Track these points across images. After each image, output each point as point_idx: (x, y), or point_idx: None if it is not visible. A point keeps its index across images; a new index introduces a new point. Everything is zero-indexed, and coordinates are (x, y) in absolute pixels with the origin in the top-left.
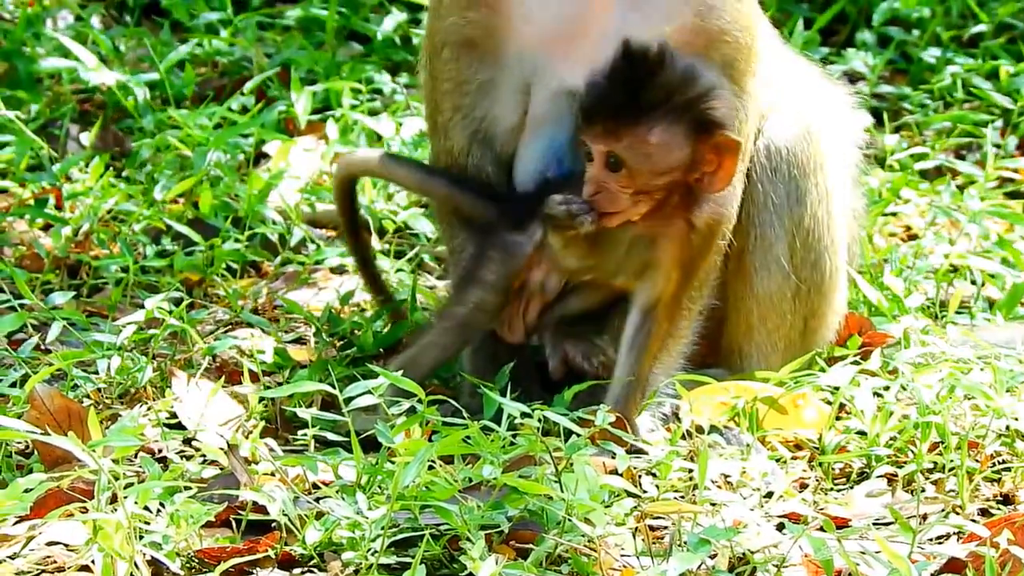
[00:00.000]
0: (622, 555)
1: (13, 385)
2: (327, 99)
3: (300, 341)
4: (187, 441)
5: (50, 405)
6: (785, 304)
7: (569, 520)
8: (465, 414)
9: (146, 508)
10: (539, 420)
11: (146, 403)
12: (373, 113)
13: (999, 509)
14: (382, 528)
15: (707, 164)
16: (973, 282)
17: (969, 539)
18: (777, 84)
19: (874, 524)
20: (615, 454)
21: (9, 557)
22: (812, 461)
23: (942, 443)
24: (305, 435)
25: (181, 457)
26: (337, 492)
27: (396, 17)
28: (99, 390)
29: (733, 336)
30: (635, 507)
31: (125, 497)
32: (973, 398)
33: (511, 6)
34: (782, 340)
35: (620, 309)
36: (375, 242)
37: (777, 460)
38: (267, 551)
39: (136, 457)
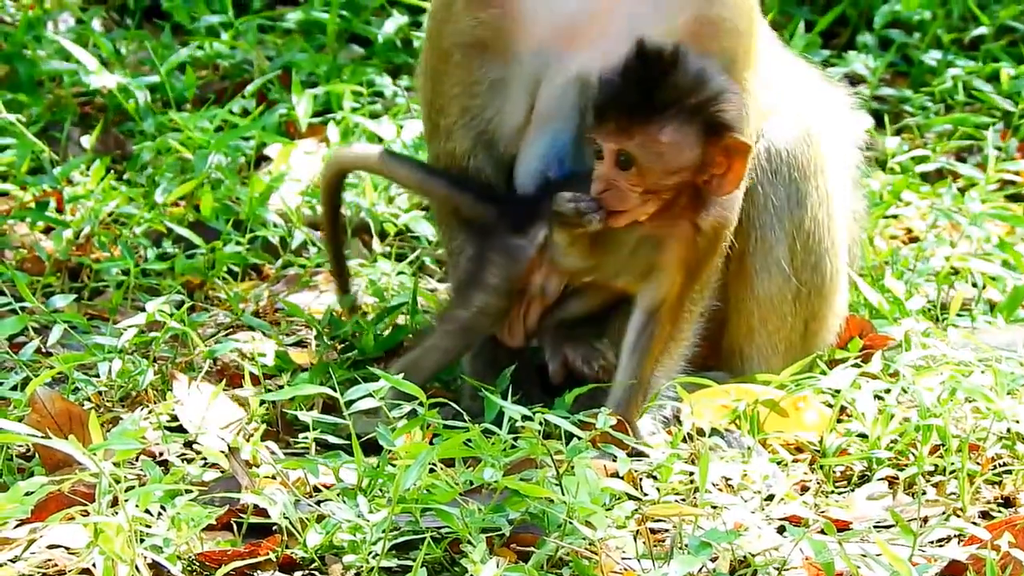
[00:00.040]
0: (623, 558)
1: (14, 388)
2: (328, 102)
3: (301, 344)
4: (188, 444)
5: (51, 408)
6: (786, 306)
7: (570, 523)
8: (466, 417)
9: (147, 511)
10: (540, 423)
11: (147, 406)
12: (374, 116)
13: (1000, 512)
14: (383, 531)
15: (717, 166)
16: (974, 284)
17: (970, 542)
18: (777, 86)
19: (875, 527)
20: (616, 457)
21: (10, 560)
22: (813, 464)
23: (943, 446)
24: (306, 438)
25: (182, 460)
26: (338, 495)
27: (397, 20)
28: (100, 393)
29: (734, 338)
30: (636, 510)
31: (126, 500)
32: (974, 401)
33: (521, 3)
34: (783, 342)
35: (620, 312)
36: (376, 245)
37: (778, 463)
38: (268, 554)
39: (137, 460)
